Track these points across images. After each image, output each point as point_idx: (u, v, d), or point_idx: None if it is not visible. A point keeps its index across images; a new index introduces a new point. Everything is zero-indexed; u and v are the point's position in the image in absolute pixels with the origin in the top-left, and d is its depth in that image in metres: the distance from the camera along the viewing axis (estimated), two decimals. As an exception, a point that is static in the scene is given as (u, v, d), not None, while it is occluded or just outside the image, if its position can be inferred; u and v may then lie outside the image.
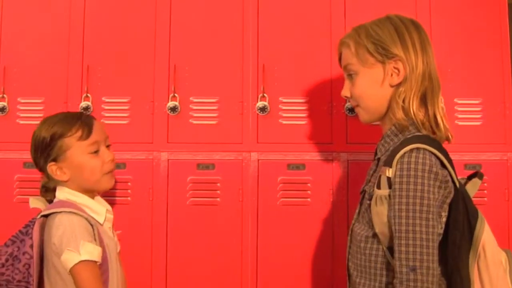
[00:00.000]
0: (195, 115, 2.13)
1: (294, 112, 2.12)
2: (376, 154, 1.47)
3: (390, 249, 1.30)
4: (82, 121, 1.58)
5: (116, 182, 2.06)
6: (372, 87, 1.40)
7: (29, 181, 2.14)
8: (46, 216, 1.51)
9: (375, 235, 1.33)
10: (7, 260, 1.50)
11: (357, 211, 1.46)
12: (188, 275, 2.08)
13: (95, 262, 1.46)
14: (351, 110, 2.08)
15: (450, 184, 1.30)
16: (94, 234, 1.49)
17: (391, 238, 1.29)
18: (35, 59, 2.18)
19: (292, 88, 2.13)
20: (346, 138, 2.09)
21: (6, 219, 2.13)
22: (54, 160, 1.56)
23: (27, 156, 2.12)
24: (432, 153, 1.27)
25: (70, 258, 1.43)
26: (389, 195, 1.28)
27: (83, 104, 2.12)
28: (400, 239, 1.24)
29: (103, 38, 2.17)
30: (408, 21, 1.41)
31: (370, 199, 1.35)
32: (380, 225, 1.30)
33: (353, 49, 1.41)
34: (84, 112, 1.63)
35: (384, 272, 1.33)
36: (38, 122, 2.09)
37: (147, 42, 2.15)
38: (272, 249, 2.07)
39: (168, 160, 2.12)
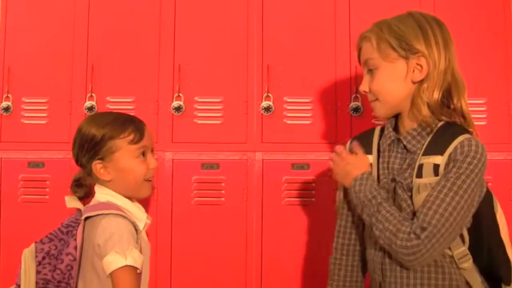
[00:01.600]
0: (200, 114, 2.14)
1: (298, 112, 2.12)
2: (396, 142, 1.43)
3: None
4: (135, 125, 1.56)
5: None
6: (392, 82, 1.38)
7: (34, 180, 2.15)
8: (88, 217, 1.49)
9: None
10: (43, 258, 1.47)
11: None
12: (192, 275, 2.08)
13: (137, 269, 1.43)
14: (356, 110, 2.08)
15: None
16: (138, 239, 1.47)
17: None
18: (39, 59, 2.19)
19: (296, 88, 2.13)
20: (351, 138, 2.09)
21: (11, 218, 2.13)
22: (101, 159, 1.54)
23: (32, 156, 2.15)
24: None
25: (114, 261, 1.40)
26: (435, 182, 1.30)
27: (88, 103, 2.12)
28: (433, 202, 1.26)
29: (108, 38, 2.17)
30: (430, 18, 1.39)
31: (409, 190, 1.33)
32: None
33: (375, 44, 1.38)
34: (135, 116, 1.62)
35: (438, 263, 1.34)
36: (42, 121, 2.16)
37: (152, 42, 2.15)
38: (277, 249, 2.07)
39: (173, 159, 2.12)
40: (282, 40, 2.14)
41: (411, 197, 1.33)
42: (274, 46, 2.14)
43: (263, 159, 2.11)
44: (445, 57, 1.35)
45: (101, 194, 1.55)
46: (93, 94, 2.14)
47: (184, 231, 2.09)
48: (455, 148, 1.30)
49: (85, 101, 2.13)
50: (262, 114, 2.11)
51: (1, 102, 2.16)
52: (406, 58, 1.35)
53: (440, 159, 1.31)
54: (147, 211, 2.08)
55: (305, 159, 2.10)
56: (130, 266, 1.41)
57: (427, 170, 1.32)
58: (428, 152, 1.34)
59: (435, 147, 1.33)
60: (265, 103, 2.10)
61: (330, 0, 2.14)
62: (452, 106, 1.38)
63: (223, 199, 2.11)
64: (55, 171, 2.13)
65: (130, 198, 1.59)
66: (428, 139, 1.37)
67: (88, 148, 1.54)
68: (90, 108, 2.12)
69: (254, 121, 2.12)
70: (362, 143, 1.50)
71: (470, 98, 2.07)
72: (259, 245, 2.08)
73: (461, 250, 1.33)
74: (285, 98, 2.13)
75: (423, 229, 1.24)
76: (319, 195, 2.09)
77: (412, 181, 1.33)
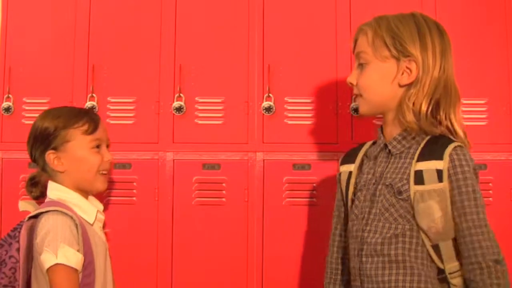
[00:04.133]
0: (201, 115, 2.14)
1: (299, 112, 2.12)
2: (383, 148, 1.43)
3: (435, 247, 1.30)
4: (90, 116, 1.59)
5: (121, 182, 2.09)
6: (379, 81, 1.36)
7: (34, 181, 2.15)
8: (35, 217, 1.49)
9: (411, 231, 1.31)
10: None
11: (367, 209, 1.39)
12: (193, 275, 2.08)
13: (72, 268, 1.41)
14: (357, 110, 2.08)
15: None
16: (79, 236, 1.45)
17: (441, 236, 1.29)
18: (40, 59, 2.19)
19: (297, 88, 2.13)
20: (352, 138, 2.09)
21: (11, 219, 2.13)
22: (54, 148, 1.54)
23: (33, 156, 2.15)
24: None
25: (47, 259, 1.40)
26: (440, 189, 1.28)
27: (89, 104, 2.12)
28: (476, 235, 1.26)
29: (109, 38, 2.17)
30: (432, 24, 1.38)
31: (399, 194, 1.32)
32: (431, 221, 1.29)
33: (370, 38, 1.37)
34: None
35: (425, 268, 1.31)
36: (43, 122, 2.15)
37: (153, 42, 2.15)
38: (278, 249, 2.07)
39: (174, 160, 2.12)
40: (283, 40, 2.14)
41: (398, 201, 1.32)
42: (275, 46, 2.14)
43: (264, 159, 2.11)
44: (440, 65, 1.33)
45: (52, 191, 1.54)
46: (94, 95, 2.14)
47: (185, 231, 2.09)
48: (450, 155, 1.29)
49: (86, 101, 2.13)
50: (263, 114, 2.11)
51: (2, 103, 2.16)
52: (397, 59, 1.33)
53: (441, 164, 1.29)
54: (147, 211, 2.09)
55: (306, 160, 2.10)
56: (62, 264, 1.39)
57: (430, 176, 1.29)
58: (424, 158, 1.32)
59: (430, 153, 1.31)
60: (266, 103, 2.10)
61: (330, 0, 2.15)
62: (438, 117, 1.35)
63: (224, 199, 2.10)
64: (56, 172, 2.13)
65: (84, 192, 1.57)
66: (422, 144, 1.35)
67: (42, 140, 1.54)
68: (91, 109, 2.11)
69: (255, 122, 2.12)
70: (349, 156, 1.51)
71: (470, 98, 2.11)
72: (260, 245, 2.07)
73: (454, 264, 1.31)
74: (286, 99, 2.13)
75: (497, 262, 1.25)
76: (320, 195, 2.09)
77: (408, 187, 1.31)
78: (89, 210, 1.56)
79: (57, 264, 1.39)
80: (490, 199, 2.06)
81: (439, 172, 1.29)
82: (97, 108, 2.12)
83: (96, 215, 1.57)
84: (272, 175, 2.10)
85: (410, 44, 1.33)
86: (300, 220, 2.08)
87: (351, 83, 1.44)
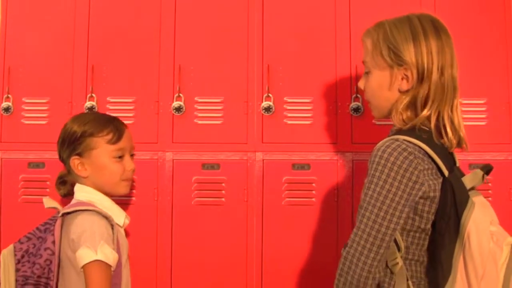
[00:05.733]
0: (200, 115, 2.14)
1: (299, 112, 2.12)
2: None
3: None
4: (115, 125, 1.63)
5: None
6: (380, 90, 1.41)
7: (34, 181, 2.15)
8: (65, 214, 1.52)
9: None
10: (22, 257, 1.52)
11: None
12: (193, 275, 2.08)
13: (109, 265, 1.46)
14: (356, 110, 2.08)
15: (433, 176, 1.30)
16: (114, 236, 1.50)
17: None
18: (39, 59, 2.19)
19: (297, 88, 2.13)
20: (351, 138, 2.09)
21: (11, 219, 2.13)
22: (79, 154, 1.60)
23: (32, 156, 2.15)
24: (412, 143, 1.28)
25: (85, 255, 1.44)
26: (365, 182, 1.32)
27: (88, 104, 2.12)
28: (358, 221, 1.29)
29: (108, 38, 2.17)
30: (428, 23, 1.39)
31: None
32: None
33: (370, 48, 1.42)
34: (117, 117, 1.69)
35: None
36: (43, 122, 2.16)
37: (152, 42, 2.16)
38: (277, 249, 2.07)
39: (173, 160, 2.12)
40: (282, 40, 2.14)
41: None
42: (275, 46, 2.14)
43: (263, 159, 2.11)
44: (438, 66, 1.34)
45: (81, 193, 1.60)
46: (93, 95, 2.14)
47: (184, 231, 2.09)
48: (372, 151, 1.31)
49: (86, 102, 2.13)
50: (262, 114, 2.11)
51: (2, 103, 2.16)
52: (391, 67, 1.37)
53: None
54: (146, 211, 2.09)
55: (305, 159, 2.10)
56: (100, 261, 1.44)
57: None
58: None
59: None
60: (265, 103, 2.10)
61: (330, 0, 2.15)
62: (426, 115, 1.34)
63: (223, 199, 2.10)
64: (55, 172, 2.09)
65: (107, 195, 1.62)
66: None
67: (69, 144, 1.62)
68: (91, 109, 2.12)
69: (255, 121, 2.12)
70: None
71: (470, 98, 2.11)
72: (260, 245, 2.07)
73: (391, 252, 1.31)
74: (285, 98, 2.13)
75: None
76: (320, 195, 2.09)
77: None
78: (119, 212, 1.62)
79: (96, 260, 1.43)
80: (490, 198, 2.06)
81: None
82: (96, 108, 2.12)
83: (125, 219, 1.63)
84: (272, 175, 2.10)
85: (405, 51, 1.36)
86: (299, 219, 2.08)
87: (361, 88, 1.50)
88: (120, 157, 1.61)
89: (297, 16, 2.16)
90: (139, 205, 2.10)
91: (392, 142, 1.29)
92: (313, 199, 2.09)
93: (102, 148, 1.59)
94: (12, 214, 2.13)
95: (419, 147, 1.29)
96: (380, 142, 1.32)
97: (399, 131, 1.35)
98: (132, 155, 1.66)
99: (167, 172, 2.11)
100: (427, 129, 1.34)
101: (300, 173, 2.10)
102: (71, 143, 1.60)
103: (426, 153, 1.30)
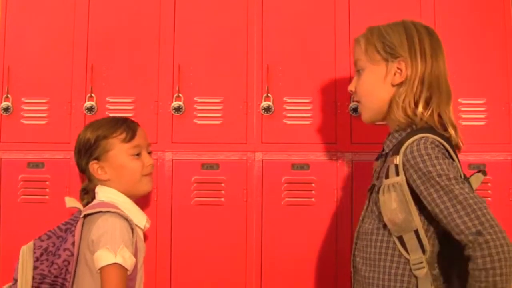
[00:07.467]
0: (200, 115, 2.14)
1: (298, 112, 2.12)
2: (383, 150, 1.49)
3: (400, 238, 1.33)
4: (127, 125, 1.65)
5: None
6: (374, 84, 1.43)
7: (33, 181, 2.15)
8: (87, 215, 1.53)
9: (384, 227, 1.36)
10: (41, 255, 1.52)
11: (365, 207, 1.48)
12: (192, 275, 2.08)
13: (126, 269, 1.47)
14: (355, 110, 2.08)
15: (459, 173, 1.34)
16: (133, 239, 1.50)
17: (401, 227, 1.32)
18: (39, 59, 2.18)
19: (296, 88, 2.13)
20: (351, 138, 2.10)
21: (10, 219, 2.13)
22: (96, 158, 1.61)
23: (31, 156, 2.15)
24: (440, 142, 1.33)
25: (104, 257, 1.44)
26: (397, 183, 1.32)
27: (87, 104, 2.12)
28: (447, 217, 1.25)
29: (107, 38, 2.17)
30: (421, 27, 1.44)
31: (379, 191, 1.37)
32: (389, 213, 1.32)
33: (363, 46, 1.46)
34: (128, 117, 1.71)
35: (394, 264, 1.35)
36: (42, 122, 2.16)
37: (152, 42, 2.15)
38: (277, 249, 2.07)
39: (173, 160, 2.12)
40: (282, 40, 2.14)
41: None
42: (274, 46, 2.14)
43: (263, 159, 2.11)
44: (432, 65, 1.39)
45: (104, 193, 1.60)
46: (93, 95, 2.14)
47: (183, 231, 2.09)
48: (405, 149, 1.32)
49: (85, 102, 2.13)
50: (262, 114, 2.11)
51: (1, 103, 2.16)
52: (387, 60, 1.41)
53: (398, 159, 1.34)
54: (146, 211, 2.09)
55: (305, 159, 2.10)
56: (118, 264, 1.44)
57: (391, 171, 1.35)
58: (394, 152, 1.38)
59: (396, 148, 1.37)
60: (265, 103, 2.10)
61: (330, 0, 2.15)
62: (429, 113, 1.38)
63: (223, 199, 2.10)
64: (55, 172, 2.13)
65: (131, 197, 1.63)
66: (400, 139, 1.40)
67: (85, 151, 1.63)
68: (90, 109, 2.12)
69: (254, 121, 2.12)
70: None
71: (469, 98, 2.11)
72: (259, 245, 2.08)
73: (417, 256, 1.33)
74: (285, 98, 2.13)
75: (478, 233, 1.22)
76: (319, 195, 2.09)
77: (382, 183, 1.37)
78: (140, 215, 1.63)
79: (114, 263, 1.43)
80: (489, 199, 2.06)
81: (396, 167, 1.33)
82: (96, 108, 2.12)
83: (146, 222, 1.64)
84: (271, 175, 2.10)
85: (399, 46, 1.41)
86: (299, 220, 2.08)
87: (350, 90, 1.52)
88: (138, 154, 1.62)
89: (297, 16, 2.16)
90: (138, 205, 2.09)
91: (424, 139, 1.32)
92: (313, 199, 2.09)
93: (118, 148, 1.60)
94: (11, 214, 2.13)
95: (443, 146, 1.34)
96: (409, 141, 1.33)
97: (419, 130, 1.36)
98: (149, 153, 1.67)
99: (166, 172, 2.11)
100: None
101: (300, 173, 2.10)
102: (87, 150, 1.61)
103: (448, 152, 1.34)
